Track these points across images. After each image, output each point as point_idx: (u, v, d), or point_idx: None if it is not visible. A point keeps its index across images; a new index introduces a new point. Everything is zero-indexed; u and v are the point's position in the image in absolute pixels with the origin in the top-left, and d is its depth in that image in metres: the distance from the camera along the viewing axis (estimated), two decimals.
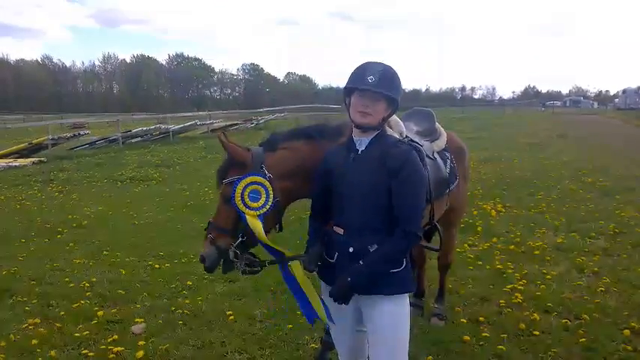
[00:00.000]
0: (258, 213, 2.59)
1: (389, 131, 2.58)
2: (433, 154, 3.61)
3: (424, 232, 3.57)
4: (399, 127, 3.11)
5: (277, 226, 2.85)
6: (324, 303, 2.62)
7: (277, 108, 43.15)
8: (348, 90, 2.44)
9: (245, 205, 2.57)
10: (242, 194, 2.57)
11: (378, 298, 2.40)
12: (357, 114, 2.39)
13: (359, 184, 2.40)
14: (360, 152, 2.45)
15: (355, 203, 2.42)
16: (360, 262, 2.34)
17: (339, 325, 2.65)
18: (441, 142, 3.86)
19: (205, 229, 2.69)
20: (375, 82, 2.33)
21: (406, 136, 3.14)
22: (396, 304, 2.41)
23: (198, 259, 2.73)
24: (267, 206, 2.61)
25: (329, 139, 2.82)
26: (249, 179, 2.59)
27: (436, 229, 3.52)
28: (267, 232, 2.65)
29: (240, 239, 2.61)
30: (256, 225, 2.58)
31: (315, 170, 2.68)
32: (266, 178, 2.62)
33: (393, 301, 2.40)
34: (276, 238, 2.76)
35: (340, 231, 2.50)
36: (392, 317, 2.40)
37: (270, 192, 2.62)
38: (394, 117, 3.03)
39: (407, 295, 2.46)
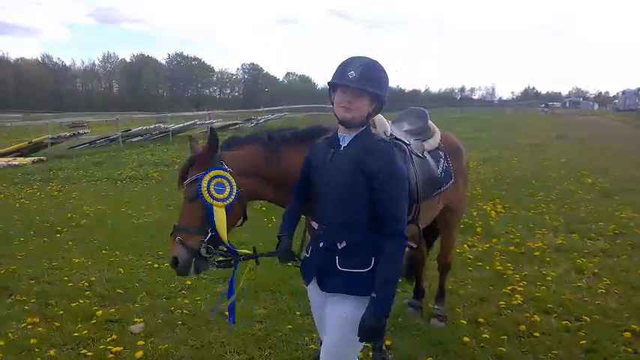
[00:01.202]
0: (224, 203, 2.73)
1: (373, 130, 2.56)
2: (423, 153, 3.57)
3: (427, 234, 3.54)
4: (384, 127, 3.12)
5: (243, 217, 2.96)
6: None
7: (277, 107, 43.15)
8: (333, 86, 2.43)
9: (212, 196, 2.70)
10: (208, 187, 2.70)
11: (343, 297, 2.39)
12: (339, 109, 2.38)
13: (335, 181, 2.40)
14: (341, 149, 2.44)
15: (330, 199, 2.43)
16: (373, 294, 2.28)
17: (320, 320, 2.65)
18: (434, 142, 3.80)
19: (171, 234, 2.76)
20: (355, 78, 2.31)
21: (390, 134, 3.15)
22: (361, 306, 2.32)
23: (170, 261, 2.74)
24: (232, 197, 2.75)
25: (291, 144, 2.97)
26: (212, 173, 2.73)
27: (432, 231, 3.48)
28: (232, 225, 2.83)
29: (210, 234, 2.71)
30: (221, 216, 2.72)
31: (272, 174, 2.90)
32: (227, 172, 2.77)
33: (360, 302, 2.34)
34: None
35: (315, 225, 2.52)
36: (353, 318, 2.32)
37: (233, 183, 2.77)
38: (379, 116, 3.03)
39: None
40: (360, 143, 2.40)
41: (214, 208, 2.69)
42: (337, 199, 2.39)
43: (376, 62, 2.42)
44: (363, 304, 2.33)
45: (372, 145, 2.38)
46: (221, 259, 2.80)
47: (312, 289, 2.58)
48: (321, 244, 2.45)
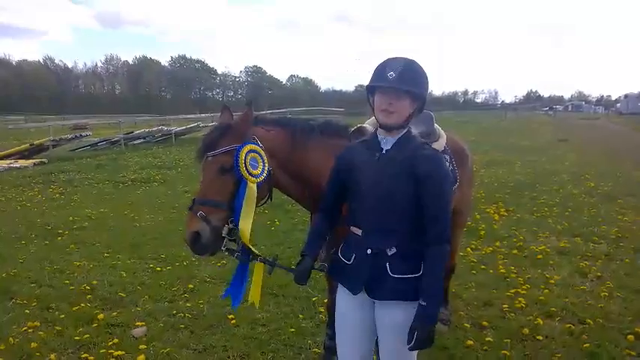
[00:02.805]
0: (257, 180, 2.63)
1: (414, 131, 2.47)
2: None
3: None
4: None
5: (268, 196, 2.88)
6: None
7: (280, 110, 43.14)
8: (371, 89, 2.37)
9: (248, 172, 2.59)
10: (245, 161, 2.58)
11: (394, 304, 2.33)
12: (380, 113, 2.31)
13: (381, 185, 2.32)
14: (384, 151, 2.37)
15: (375, 204, 2.34)
16: (421, 301, 2.24)
17: (355, 332, 2.53)
18: (439, 145, 3.77)
19: (190, 208, 2.59)
20: (395, 78, 2.24)
21: None
22: (413, 310, 2.28)
23: (186, 237, 2.56)
24: (264, 174, 2.67)
25: (315, 136, 2.94)
26: (249, 147, 2.63)
27: None
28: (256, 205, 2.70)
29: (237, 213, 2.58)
30: (253, 194, 2.61)
31: (291, 162, 2.83)
32: (261, 147, 2.69)
33: (412, 307, 2.29)
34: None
35: (358, 232, 2.42)
36: (407, 324, 2.28)
37: (266, 160, 2.69)
38: None
39: None
40: (406, 146, 2.34)
41: (248, 183, 2.59)
42: (383, 203, 2.32)
43: (414, 61, 2.35)
44: (415, 308, 2.30)
45: (418, 149, 2.32)
46: (234, 247, 2.64)
47: (349, 297, 2.47)
48: (368, 251, 2.37)
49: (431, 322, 2.23)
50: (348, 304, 2.51)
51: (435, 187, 2.27)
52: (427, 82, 2.37)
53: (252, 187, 2.60)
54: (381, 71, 2.31)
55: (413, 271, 2.32)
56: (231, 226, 2.59)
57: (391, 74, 2.25)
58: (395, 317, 2.33)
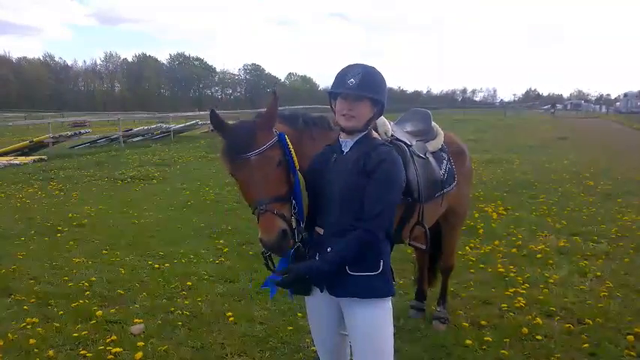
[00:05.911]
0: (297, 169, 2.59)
1: (374, 134, 2.56)
2: (426, 154, 3.54)
3: (430, 235, 3.48)
4: (385, 127, 3.10)
5: None
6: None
7: (279, 108, 43.11)
8: (333, 94, 2.46)
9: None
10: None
11: (355, 302, 2.38)
12: (341, 118, 2.41)
13: (339, 185, 2.40)
14: (343, 154, 2.46)
15: (334, 204, 2.42)
16: (317, 257, 2.39)
17: (320, 325, 2.65)
18: (437, 143, 3.78)
19: (257, 209, 2.39)
20: (355, 85, 2.35)
21: (392, 135, 3.12)
22: (375, 309, 2.38)
23: (270, 239, 2.36)
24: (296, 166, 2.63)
25: (313, 130, 2.91)
26: (287, 139, 2.57)
27: (425, 230, 3.40)
28: None
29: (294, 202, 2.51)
30: (304, 183, 2.59)
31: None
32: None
33: (372, 306, 2.38)
34: None
35: (320, 231, 2.50)
36: (371, 323, 2.39)
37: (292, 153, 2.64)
38: (380, 117, 2.98)
39: (386, 299, 2.43)
40: (362, 147, 2.43)
41: (298, 172, 2.53)
42: (341, 202, 2.39)
43: (373, 68, 2.46)
44: (382, 305, 2.39)
45: (373, 148, 2.40)
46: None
47: (315, 296, 2.54)
48: (328, 249, 2.39)
49: (306, 272, 2.34)
50: (315, 302, 2.61)
51: (378, 181, 2.32)
52: (385, 88, 2.48)
53: (301, 178, 2.58)
54: (342, 78, 2.41)
55: (371, 269, 2.37)
56: (296, 216, 2.51)
57: (351, 81, 2.36)
58: (364, 317, 2.39)
